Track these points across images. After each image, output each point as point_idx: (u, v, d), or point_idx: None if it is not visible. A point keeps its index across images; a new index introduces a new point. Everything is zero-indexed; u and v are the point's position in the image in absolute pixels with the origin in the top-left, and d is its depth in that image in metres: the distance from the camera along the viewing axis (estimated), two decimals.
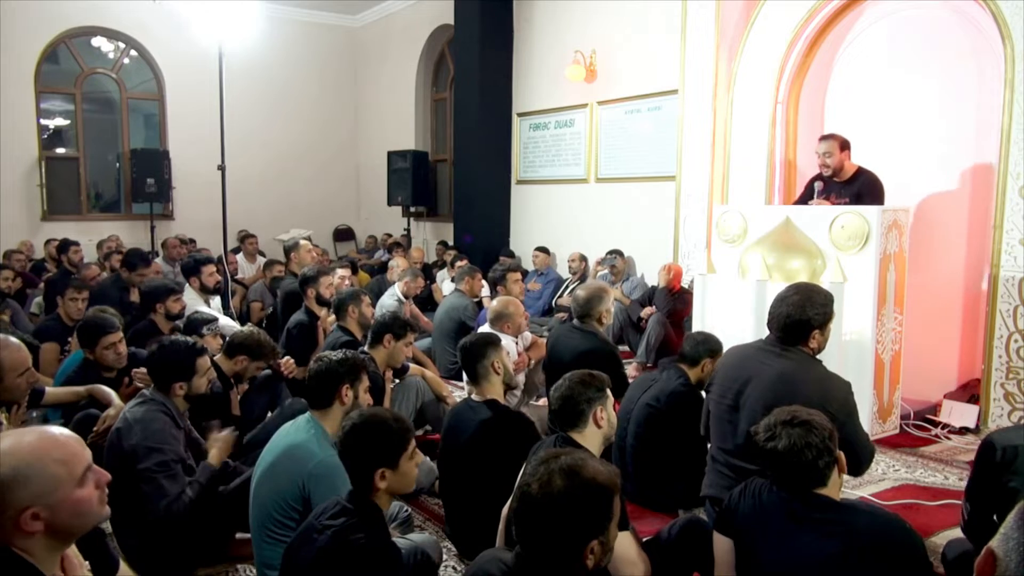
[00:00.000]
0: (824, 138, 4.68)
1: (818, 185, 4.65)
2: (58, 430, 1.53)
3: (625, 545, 2.05)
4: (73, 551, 1.60)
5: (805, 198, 4.79)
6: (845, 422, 2.49)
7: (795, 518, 1.92)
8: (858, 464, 2.57)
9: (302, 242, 6.57)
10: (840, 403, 2.54)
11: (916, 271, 4.48)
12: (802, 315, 2.66)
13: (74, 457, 1.48)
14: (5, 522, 1.39)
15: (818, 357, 2.74)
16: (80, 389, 3.24)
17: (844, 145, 4.59)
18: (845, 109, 5.47)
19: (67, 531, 1.48)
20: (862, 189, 4.51)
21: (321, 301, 5.09)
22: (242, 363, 3.56)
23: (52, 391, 3.22)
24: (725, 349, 3.18)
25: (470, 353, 3.05)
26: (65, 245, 7.86)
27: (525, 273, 7.15)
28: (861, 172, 4.59)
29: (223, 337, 4.05)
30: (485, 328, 4.58)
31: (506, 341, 3.83)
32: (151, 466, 2.60)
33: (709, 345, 3.36)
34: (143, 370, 3.41)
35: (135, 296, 5.70)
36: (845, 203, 4.45)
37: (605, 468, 1.64)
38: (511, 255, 8.66)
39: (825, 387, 2.58)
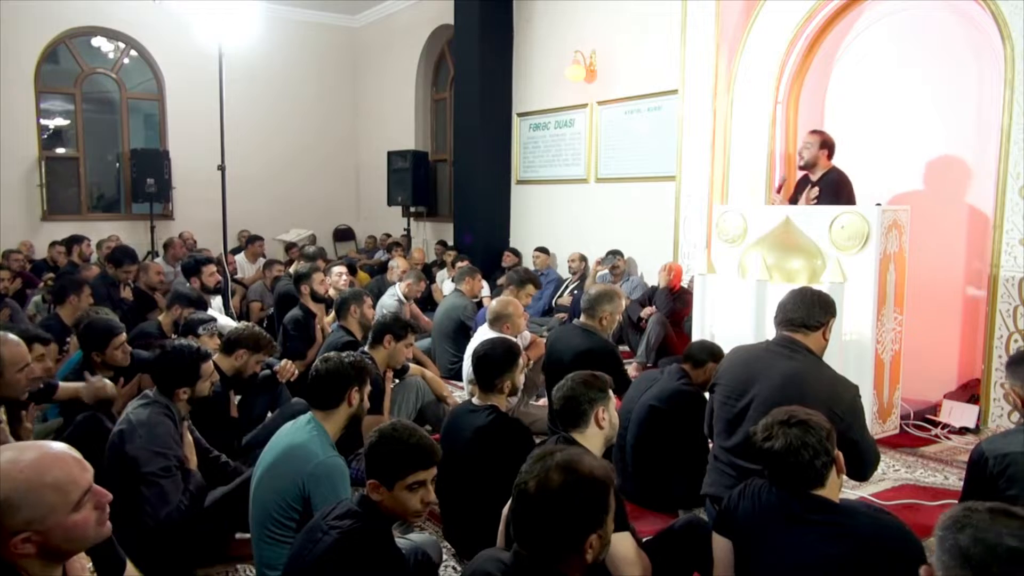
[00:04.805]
0: (811, 132, 4.78)
1: (778, 179, 4.89)
2: (59, 448, 1.47)
3: (624, 545, 2.05)
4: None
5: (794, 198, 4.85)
6: (851, 424, 2.49)
7: (794, 519, 1.92)
8: (863, 468, 2.56)
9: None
10: (847, 405, 2.55)
11: (916, 271, 4.48)
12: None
13: (71, 483, 1.42)
14: None
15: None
16: (80, 385, 3.24)
17: (825, 144, 4.66)
18: (845, 109, 5.47)
19: (61, 553, 1.45)
20: (821, 186, 4.60)
21: (316, 298, 5.09)
22: (242, 357, 3.56)
23: (65, 385, 3.23)
24: (727, 349, 3.19)
25: (490, 366, 2.95)
26: (77, 239, 7.91)
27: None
28: (830, 171, 4.64)
29: (221, 336, 4.04)
30: (484, 328, 4.58)
31: None
32: (155, 470, 2.61)
33: (714, 350, 3.42)
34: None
35: (125, 292, 5.72)
36: (812, 200, 4.61)
37: (599, 463, 1.65)
38: (515, 252, 8.65)
39: (834, 388, 2.59)
